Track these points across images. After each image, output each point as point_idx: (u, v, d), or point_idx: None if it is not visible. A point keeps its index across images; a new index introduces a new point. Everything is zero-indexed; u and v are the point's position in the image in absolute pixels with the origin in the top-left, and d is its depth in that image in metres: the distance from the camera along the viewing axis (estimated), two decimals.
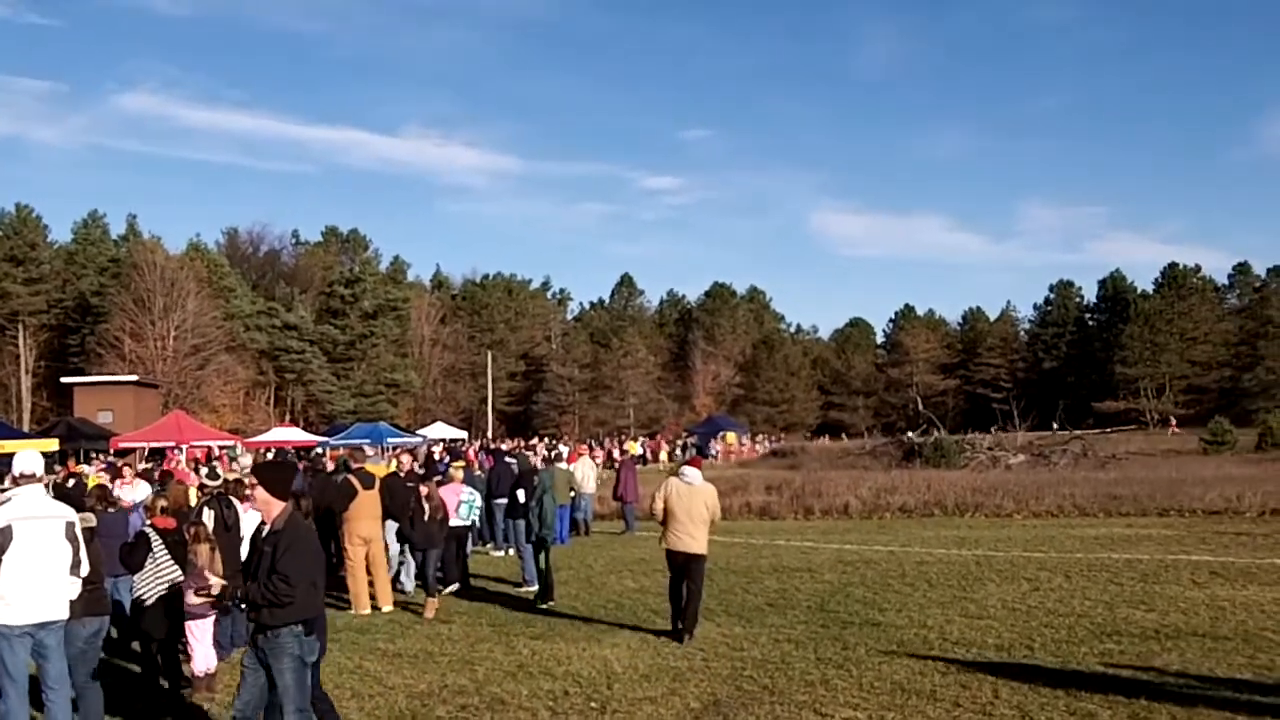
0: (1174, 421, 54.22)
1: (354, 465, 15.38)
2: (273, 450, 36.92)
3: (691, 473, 11.84)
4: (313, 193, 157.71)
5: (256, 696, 6.49)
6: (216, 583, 7.76)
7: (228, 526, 10.42)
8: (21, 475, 7.34)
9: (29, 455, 7.48)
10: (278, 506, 6.58)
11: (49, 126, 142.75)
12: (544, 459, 20.91)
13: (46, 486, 9.10)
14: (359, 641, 11.57)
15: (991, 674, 9.15)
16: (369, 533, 13.75)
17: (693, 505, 11.45)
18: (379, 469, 15.25)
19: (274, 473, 6.96)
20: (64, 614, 7.18)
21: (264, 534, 6.71)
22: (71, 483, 19.72)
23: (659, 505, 11.70)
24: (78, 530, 7.40)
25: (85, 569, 7.42)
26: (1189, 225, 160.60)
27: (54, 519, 7.29)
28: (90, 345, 69.40)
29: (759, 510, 26.78)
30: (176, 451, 35.08)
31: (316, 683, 7.10)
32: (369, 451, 17.06)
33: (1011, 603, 12.79)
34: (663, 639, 11.17)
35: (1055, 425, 49.40)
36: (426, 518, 13.65)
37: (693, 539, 11.38)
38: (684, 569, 11.35)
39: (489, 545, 20.13)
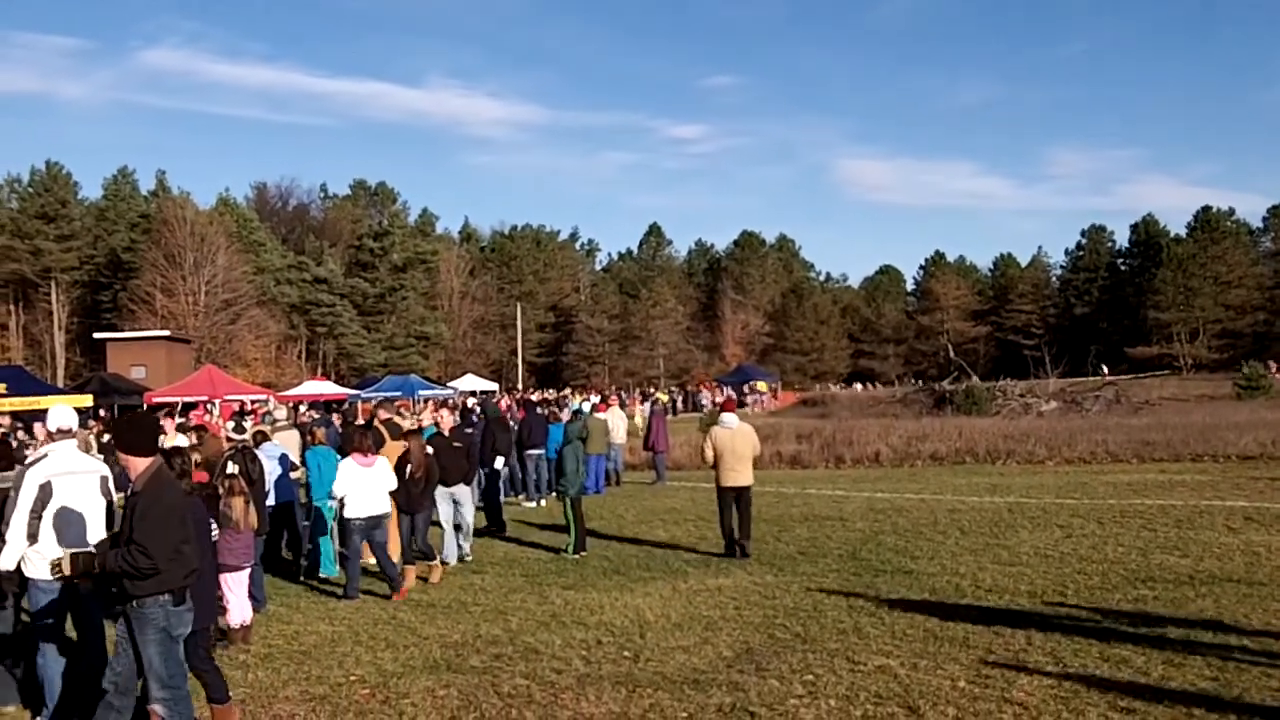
0: (1106, 370, 53.92)
1: (383, 416, 15.39)
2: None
3: (729, 418, 13.71)
4: (339, 146, 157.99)
5: (129, 668, 6.15)
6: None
7: (251, 480, 10.51)
8: (58, 431, 7.37)
9: (63, 410, 7.51)
10: (140, 464, 6.06)
11: (76, 83, 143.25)
12: (571, 411, 20.88)
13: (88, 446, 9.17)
14: None
15: (1024, 621, 9.13)
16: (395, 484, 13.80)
17: (736, 445, 13.33)
18: (403, 422, 15.30)
19: (130, 429, 6.42)
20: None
21: (128, 495, 6.14)
22: (108, 438, 19.94)
23: (709, 453, 13.48)
24: (111, 485, 7.46)
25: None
26: (1222, 168, 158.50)
27: (89, 474, 7.35)
28: (122, 301, 69.90)
29: (790, 459, 26.81)
30: (204, 411, 35.12)
31: (198, 653, 6.83)
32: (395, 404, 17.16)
33: (1044, 549, 12.76)
34: (694, 588, 11.22)
35: (1102, 369, 48.76)
36: (409, 478, 12.25)
37: (738, 474, 13.26)
38: (735, 500, 13.21)
39: (521, 496, 20.24)
